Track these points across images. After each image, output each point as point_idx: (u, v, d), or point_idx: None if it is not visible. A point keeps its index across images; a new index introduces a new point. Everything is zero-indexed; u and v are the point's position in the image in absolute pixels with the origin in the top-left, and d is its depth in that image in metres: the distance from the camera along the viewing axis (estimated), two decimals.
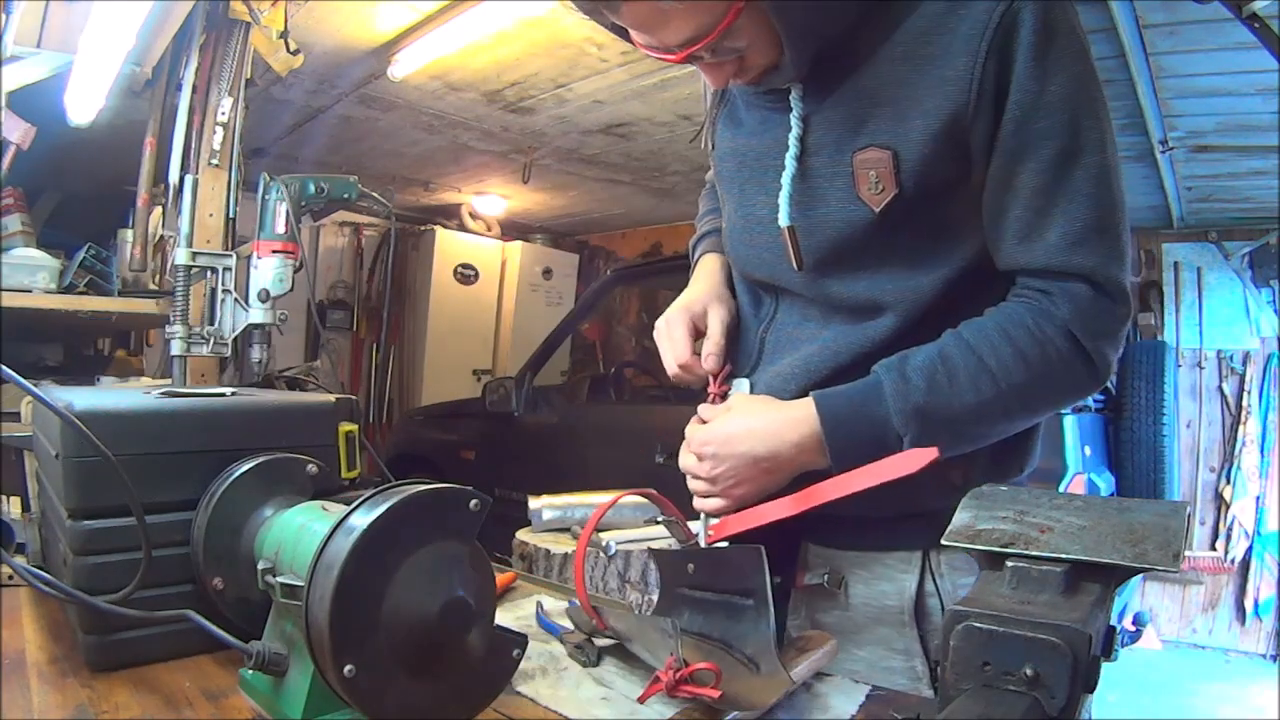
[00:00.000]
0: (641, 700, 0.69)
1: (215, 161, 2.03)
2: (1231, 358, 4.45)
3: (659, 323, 0.93)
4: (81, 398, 0.75)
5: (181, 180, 2.01)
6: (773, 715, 0.68)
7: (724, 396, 0.90)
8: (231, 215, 2.07)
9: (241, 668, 0.64)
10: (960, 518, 0.59)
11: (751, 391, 0.90)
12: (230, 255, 1.96)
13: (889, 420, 0.75)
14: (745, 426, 0.82)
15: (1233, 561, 4.31)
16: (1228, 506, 4.33)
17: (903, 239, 0.79)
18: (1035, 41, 0.70)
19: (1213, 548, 4.37)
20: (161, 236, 2.32)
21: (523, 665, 0.66)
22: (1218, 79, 2.80)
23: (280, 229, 1.87)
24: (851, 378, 0.80)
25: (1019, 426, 0.80)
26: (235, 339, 1.92)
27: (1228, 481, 4.36)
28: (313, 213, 1.94)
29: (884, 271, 0.80)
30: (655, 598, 0.85)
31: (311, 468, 0.80)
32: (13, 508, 1.18)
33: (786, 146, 0.81)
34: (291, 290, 1.90)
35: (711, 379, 0.91)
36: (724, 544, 0.84)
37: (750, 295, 0.95)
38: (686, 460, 0.86)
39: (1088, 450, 3.55)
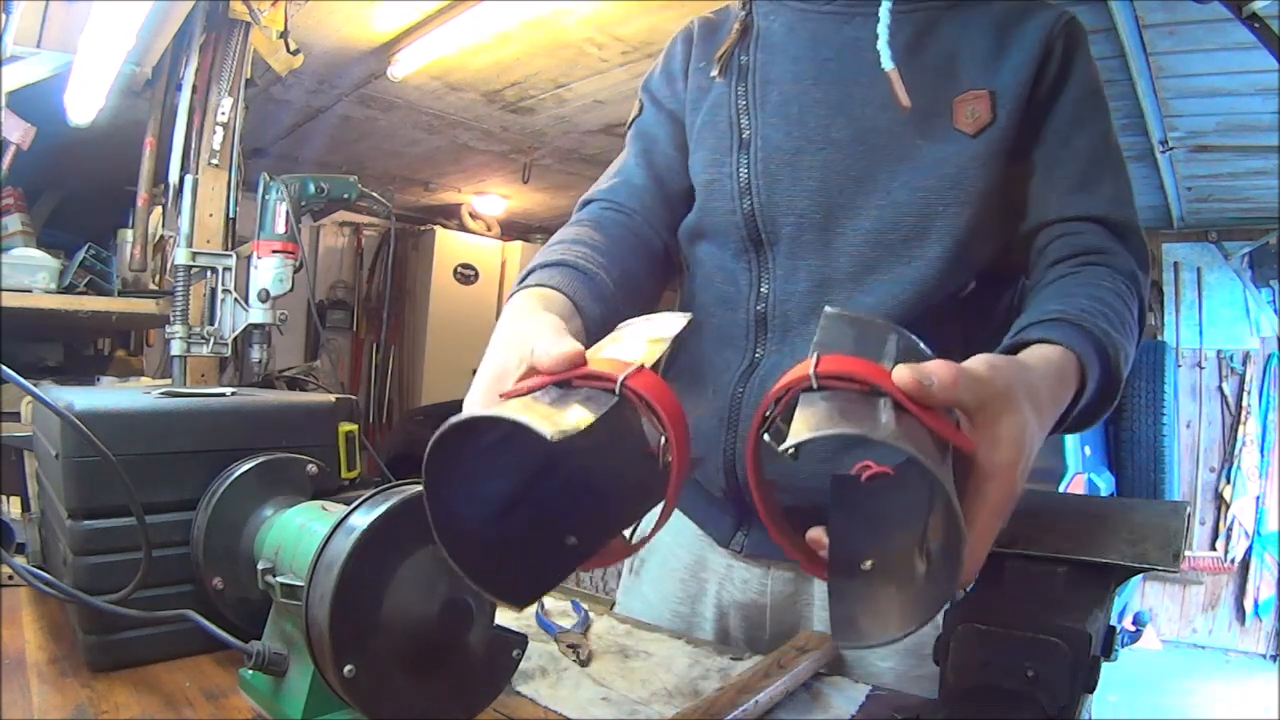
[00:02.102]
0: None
1: (215, 161, 2.04)
2: (1231, 358, 4.45)
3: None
4: (81, 398, 0.75)
5: (181, 180, 2.01)
6: (773, 715, 0.68)
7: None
8: (231, 215, 2.08)
9: (241, 668, 0.64)
10: None
11: (769, 376, 0.83)
12: (230, 255, 1.96)
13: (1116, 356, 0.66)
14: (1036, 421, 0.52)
15: (1233, 561, 4.31)
16: (1228, 506, 4.33)
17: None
18: (1084, 45, 0.81)
19: (1213, 548, 4.37)
20: (161, 236, 2.32)
21: (523, 665, 0.66)
22: (1218, 79, 2.80)
23: (280, 229, 1.87)
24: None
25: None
26: (235, 339, 1.92)
27: (1228, 481, 4.36)
28: (313, 213, 1.95)
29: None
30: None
31: (311, 468, 0.80)
32: (13, 508, 1.18)
33: (863, 50, 0.80)
34: (291, 290, 1.91)
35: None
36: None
37: (726, 267, 0.89)
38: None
39: (1088, 450, 3.56)
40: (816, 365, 0.43)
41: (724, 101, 0.89)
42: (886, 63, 0.78)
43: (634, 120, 1.00)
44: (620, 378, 0.45)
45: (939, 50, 0.81)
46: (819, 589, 0.88)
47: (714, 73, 0.90)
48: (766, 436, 0.46)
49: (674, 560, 0.98)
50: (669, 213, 0.93)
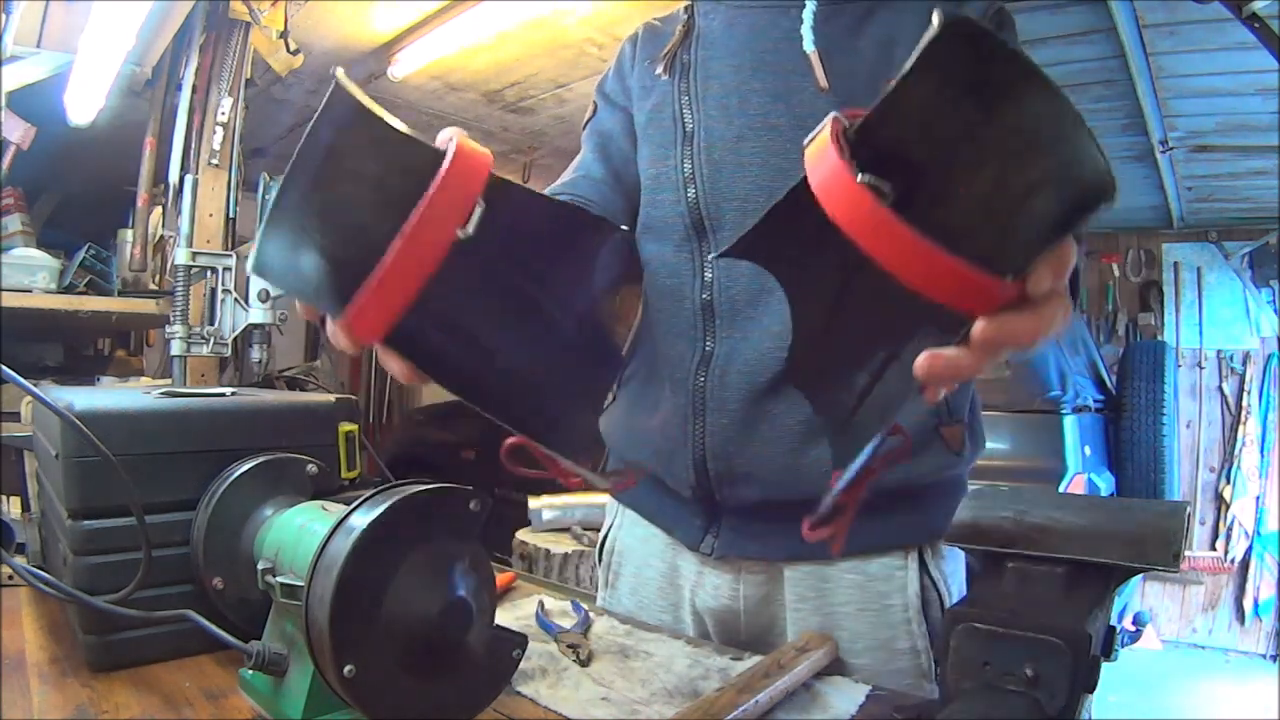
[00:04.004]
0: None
1: (215, 161, 2.04)
2: (1231, 358, 4.44)
3: None
4: (81, 398, 0.75)
5: (181, 180, 2.01)
6: (773, 715, 0.68)
7: None
8: (231, 215, 2.08)
9: (241, 668, 0.64)
10: (960, 517, 0.59)
11: (729, 364, 0.86)
12: (230, 255, 1.96)
13: None
14: None
15: (1233, 561, 4.31)
16: (1228, 506, 4.33)
17: None
18: (1011, 32, 0.84)
19: (1213, 548, 4.37)
20: (161, 236, 2.32)
21: (523, 665, 0.66)
22: (1218, 79, 2.80)
23: None
24: None
25: None
26: (235, 339, 1.92)
27: (1228, 481, 4.36)
28: None
29: None
30: None
31: (311, 468, 0.80)
32: (13, 508, 1.18)
33: (800, 41, 0.82)
34: None
35: None
36: None
37: (668, 261, 0.90)
38: None
39: (1088, 450, 3.55)
40: None
41: (668, 99, 0.92)
42: (808, 45, 0.81)
43: (589, 121, 1.02)
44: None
45: (876, 37, 0.84)
46: (790, 590, 0.89)
47: (659, 70, 0.93)
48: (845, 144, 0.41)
49: (648, 570, 0.99)
50: (628, 203, 0.96)
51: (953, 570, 0.87)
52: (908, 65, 0.35)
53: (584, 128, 1.03)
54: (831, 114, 0.41)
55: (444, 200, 0.41)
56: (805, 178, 0.43)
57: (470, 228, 0.43)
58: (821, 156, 0.39)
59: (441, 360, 0.48)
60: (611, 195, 0.94)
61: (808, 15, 0.83)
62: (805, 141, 0.42)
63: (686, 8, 0.95)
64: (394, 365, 0.47)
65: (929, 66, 0.36)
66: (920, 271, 0.35)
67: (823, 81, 0.80)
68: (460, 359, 0.50)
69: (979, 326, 0.38)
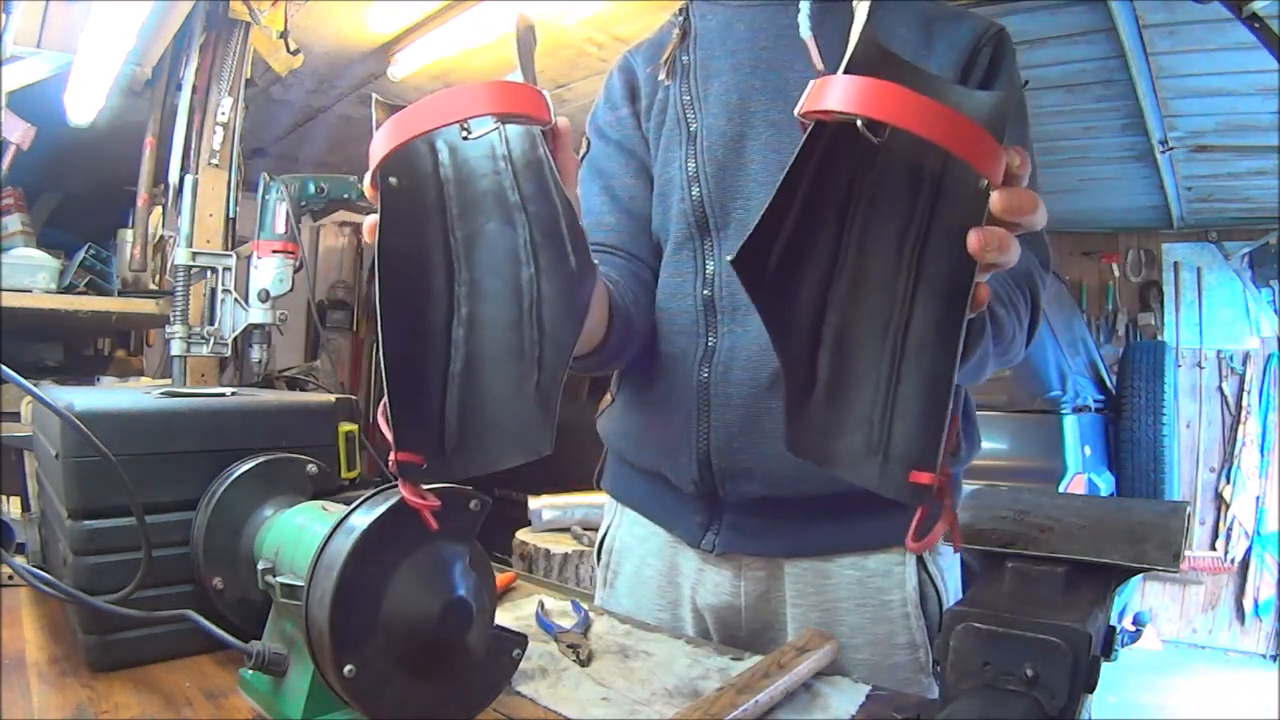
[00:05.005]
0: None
1: (215, 161, 2.04)
2: (1231, 358, 4.45)
3: None
4: (81, 398, 0.75)
5: (181, 180, 2.02)
6: (773, 715, 0.68)
7: None
8: (231, 215, 2.08)
9: (241, 668, 0.64)
10: (960, 518, 0.59)
11: (731, 360, 0.86)
12: (230, 255, 1.96)
13: None
14: None
15: (1233, 561, 4.31)
16: (1228, 506, 4.33)
17: None
18: (1010, 58, 0.83)
19: (1213, 548, 4.37)
20: (161, 236, 2.32)
21: (523, 665, 0.66)
22: (1218, 79, 2.80)
23: (280, 229, 1.87)
24: None
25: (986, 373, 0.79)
26: (235, 339, 1.92)
27: (1228, 481, 4.36)
28: (313, 213, 1.95)
29: None
30: None
31: (311, 468, 0.80)
32: (13, 508, 1.18)
33: (798, 37, 0.83)
34: (291, 290, 1.91)
35: None
36: None
37: (670, 260, 0.91)
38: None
39: (1088, 450, 3.55)
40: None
41: (672, 102, 0.92)
42: (804, 31, 0.82)
43: (584, 156, 1.00)
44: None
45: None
46: (790, 586, 0.89)
47: (661, 75, 0.93)
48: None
49: (647, 569, 0.99)
50: (647, 238, 0.95)
51: (949, 567, 0.89)
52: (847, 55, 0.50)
53: (580, 162, 1.00)
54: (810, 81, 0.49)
55: (466, 94, 0.53)
56: (780, 190, 0.50)
57: (474, 133, 0.54)
58: (832, 83, 0.48)
59: (396, 247, 0.53)
60: (629, 238, 0.94)
61: (804, 5, 0.84)
62: (797, 110, 0.50)
63: (681, 9, 0.95)
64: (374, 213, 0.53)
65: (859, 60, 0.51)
66: (945, 129, 0.44)
67: (819, 65, 0.80)
68: (411, 252, 0.55)
69: (995, 197, 0.45)
